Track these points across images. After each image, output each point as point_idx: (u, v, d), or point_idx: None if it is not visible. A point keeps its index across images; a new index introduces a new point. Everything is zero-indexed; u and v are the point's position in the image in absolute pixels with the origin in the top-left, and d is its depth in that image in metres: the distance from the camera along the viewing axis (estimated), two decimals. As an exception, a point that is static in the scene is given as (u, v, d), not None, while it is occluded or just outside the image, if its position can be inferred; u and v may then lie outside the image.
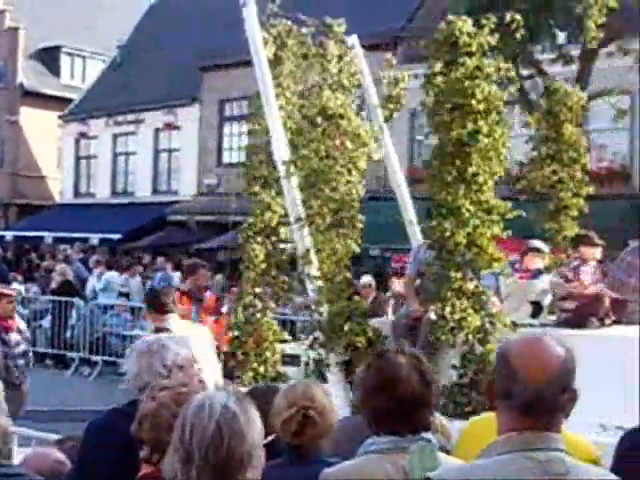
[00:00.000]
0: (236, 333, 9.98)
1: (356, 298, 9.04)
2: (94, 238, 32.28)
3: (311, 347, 8.94)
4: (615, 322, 8.61)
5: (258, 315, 10.00)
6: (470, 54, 8.29)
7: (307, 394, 4.10)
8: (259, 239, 10.12)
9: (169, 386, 3.68)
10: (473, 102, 8.03)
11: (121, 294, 22.23)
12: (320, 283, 8.87)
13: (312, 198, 8.98)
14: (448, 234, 7.99)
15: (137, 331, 18.02)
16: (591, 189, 10.69)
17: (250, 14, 9.77)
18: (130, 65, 37.73)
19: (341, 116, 8.96)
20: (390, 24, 28.79)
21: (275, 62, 10.15)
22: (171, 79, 34.49)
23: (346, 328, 8.42)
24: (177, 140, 34.98)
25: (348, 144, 8.96)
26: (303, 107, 9.83)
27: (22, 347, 10.31)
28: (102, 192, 37.49)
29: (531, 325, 8.76)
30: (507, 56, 19.15)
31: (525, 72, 20.25)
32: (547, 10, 19.21)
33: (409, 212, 11.59)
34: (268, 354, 9.92)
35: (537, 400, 2.73)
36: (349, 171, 9.01)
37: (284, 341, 10.24)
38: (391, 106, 10.52)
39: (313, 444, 4.04)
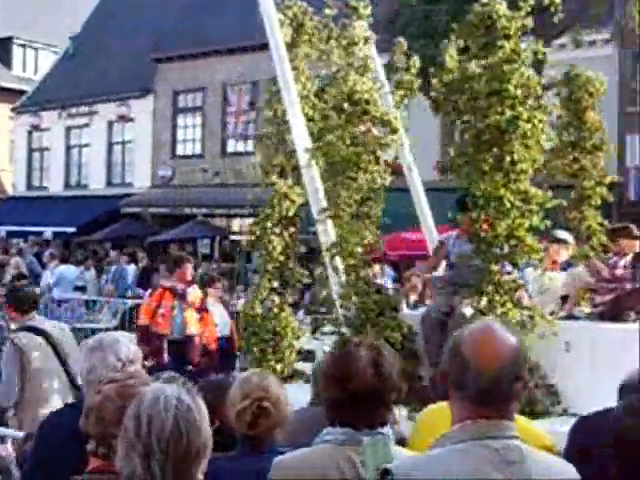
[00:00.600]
0: (252, 329, 9.60)
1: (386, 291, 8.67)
2: (48, 231, 31.71)
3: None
4: None
5: (275, 310, 9.63)
6: (508, 37, 7.82)
7: (261, 385, 4.06)
8: (277, 230, 9.75)
9: (116, 379, 3.60)
10: (511, 87, 7.60)
11: (77, 288, 22.07)
12: (344, 277, 8.50)
13: (339, 187, 8.59)
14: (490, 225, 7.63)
15: (93, 325, 18.03)
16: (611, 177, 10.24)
17: None
18: (82, 56, 36.97)
19: (367, 101, 8.58)
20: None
21: (291, 45, 9.78)
22: (124, 70, 33.91)
23: (381, 323, 8.05)
24: (131, 132, 34.34)
25: (374, 131, 8.60)
26: (323, 92, 9.46)
27: None
28: (55, 185, 36.87)
29: (567, 317, 8.34)
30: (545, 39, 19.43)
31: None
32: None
33: (422, 200, 11.17)
34: (286, 352, 9.55)
35: (491, 389, 2.71)
36: (376, 159, 8.68)
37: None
38: (401, 92, 10.09)
39: (267, 435, 4.00)
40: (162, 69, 33.19)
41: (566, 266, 9.36)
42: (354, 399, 3.34)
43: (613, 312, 8.19)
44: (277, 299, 9.72)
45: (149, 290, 13.08)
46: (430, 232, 10.95)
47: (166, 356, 10.84)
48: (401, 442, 4.03)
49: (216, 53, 31.16)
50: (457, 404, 2.79)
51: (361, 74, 9.07)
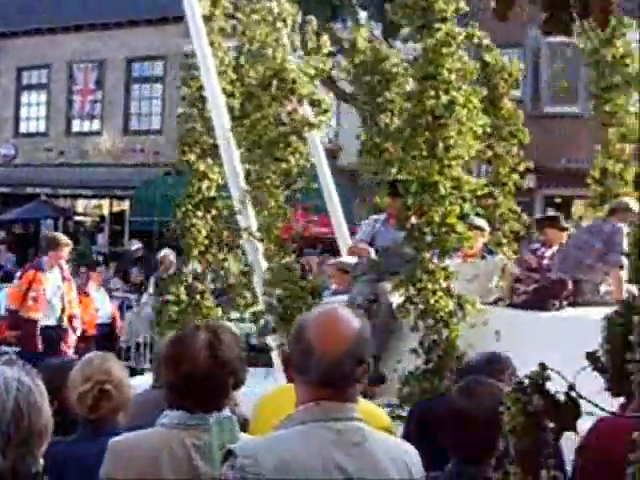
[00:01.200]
0: (175, 317, 9.11)
1: (309, 278, 8.34)
2: None
3: (261, 333, 8.18)
4: (572, 304, 8.13)
5: (198, 297, 9.20)
6: (444, 20, 7.51)
7: (103, 368, 4.01)
8: (199, 213, 9.33)
9: None
10: (445, 71, 7.36)
11: None
12: (266, 263, 8.18)
13: (264, 169, 8.24)
14: (424, 212, 7.34)
15: None
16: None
17: None
18: None
19: (294, 80, 8.25)
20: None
21: (206, 19, 9.33)
22: (-34, 46, 32.95)
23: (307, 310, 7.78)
24: (-28, 108, 33.42)
25: (300, 110, 8.30)
26: (241, 67, 9.10)
27: None
28: None
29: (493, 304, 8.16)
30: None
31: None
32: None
33: (330, 187, 10.50)
34: None
35: (333, 373, 2.72)
36: (304, 140, 8.39)
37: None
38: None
39: (109, 418, 3.96)
40: (6, 45, 32.05)
41: (488, 252, 9.14)
42: (189, 382, 3.31)
43: (535, 301, 8.07)
44: (200, 286, 9.31)
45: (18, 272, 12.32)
46: (340, 225, 10.49)
47: (39, 342, 10.41)
48: (243, 423, 4.02)
49: (63, 30, 30.28)
50: (301, 387, 2.79)
51: (287, 52, 8.75)
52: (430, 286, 7.32)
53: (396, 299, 7.65)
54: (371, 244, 8.70)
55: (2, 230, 28.68)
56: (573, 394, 2.45)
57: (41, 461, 2.69)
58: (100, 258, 25.03)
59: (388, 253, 8.21)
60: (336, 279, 9.73)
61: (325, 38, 9.46)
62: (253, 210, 8.39)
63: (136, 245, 21.56)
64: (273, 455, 2.66)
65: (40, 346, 10.37)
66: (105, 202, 30.85)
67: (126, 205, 29.16)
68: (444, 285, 7.33)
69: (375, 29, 20.22)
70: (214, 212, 9.42)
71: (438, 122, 7.37)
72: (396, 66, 9.67)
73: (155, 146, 29.38)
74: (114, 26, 29.47)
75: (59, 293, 10.85)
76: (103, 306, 11.48)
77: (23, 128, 32.36)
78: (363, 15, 21.08)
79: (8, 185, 30.26)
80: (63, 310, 10.75)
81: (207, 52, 8.82)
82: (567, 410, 2.45)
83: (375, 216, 9.08)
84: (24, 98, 32.43)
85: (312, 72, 8.82)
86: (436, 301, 7.27)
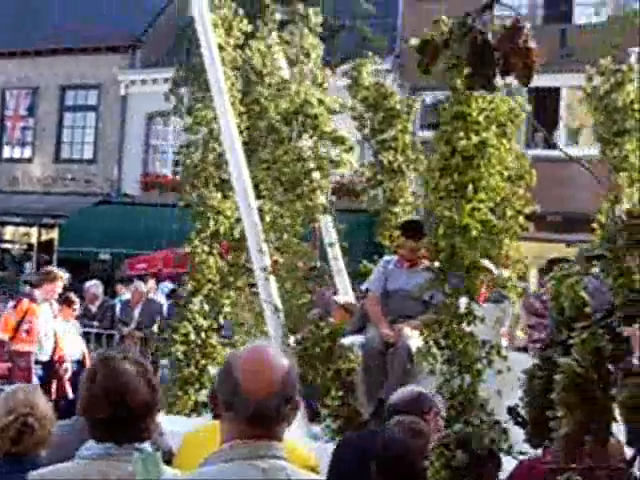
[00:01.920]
0: (180, 355, 8.67)
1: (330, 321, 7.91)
2: None
3: None
4: None
5: (203, 335, 8.72)
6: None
7: (27, 401, 3.94)
8: (206, 247, 8.81)
9: None
10: (475, 112, 7.16)
11: None
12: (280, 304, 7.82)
13: (284, 207, 7.94)
14: (455, 254, 7.05)
15: None
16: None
17: None
18: None
19: (316, 116, 7.99)
20: (131, 27, 28.42)
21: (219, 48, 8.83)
22: None
23: (334, 353, 7.44)
24: None
25: (322, 148, 8.03)
26: (247, 98, 8.76)
27: None
28: None
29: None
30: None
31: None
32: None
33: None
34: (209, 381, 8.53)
35: (260, 412, 2.72)
36: (326, 177, 8.09)
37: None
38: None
39: (31, 452, 3.87)
40: None
41: (500, 297, 8.86)
42: (117, 413, 3.25)
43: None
44: (204, 323, 8.81)
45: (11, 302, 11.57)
46: (337, 260, 9.76)
47: (34, 376, 9.87)
48: (168, 453, 3.98)
49: (-5, 55, 30.05)
50: (228, 424, 2.78)
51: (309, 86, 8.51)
52: (457, 331, 7.06)
53: (414, 342, 7.43)
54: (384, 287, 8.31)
55: None
56: (494, 448, 2.42)
57: None
58: (27, 287, 24.63)
59: (400, 296, 7.95)
60: (338, 317, 9.57)
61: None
62: (269, 249, 8.04)
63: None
64: None
65: (34, 380, 9.82)
66: (34, 230, 30.39)
67: (55, 234, 28.79)
68: (468, 330, 7.08)
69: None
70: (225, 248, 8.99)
71: (468, 163, 7.16)
72: (400, 103, 9.42)
73: (86, 175, 29.10)
74: (49, 53, 29.21)
75: (51, 328, 10.39)
76: (76, 343, 11.02)
77: None
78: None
79: None
80: (55, 348, 10.32)
81: (222, 82, 8.34)
82: (489, 464, 2.42)
83: (387, 257, 8.69)
84: None
85: (337, 108, 8.64)
86: (464, 346, 7.02)
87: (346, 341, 7.80)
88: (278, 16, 9.24)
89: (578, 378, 1.98)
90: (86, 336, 14.44)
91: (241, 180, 8.05)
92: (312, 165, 8.02)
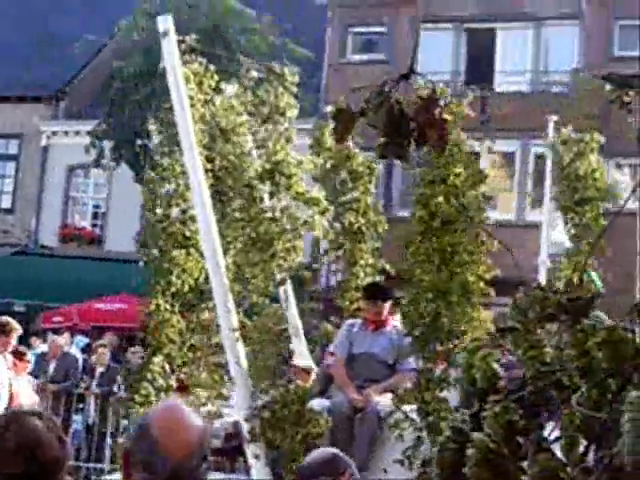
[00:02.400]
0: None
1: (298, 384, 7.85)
2: None
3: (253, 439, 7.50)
4: None
5: (163, 396, 8.34)
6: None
7: None
8: (168, 306, 8.56)
9: None
10: (453, 176, 7.18)
11: None
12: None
13: (256, 267, 7.89)
14: (436, 319, 6.98)
15: None
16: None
17: (170, 45, 8.38)
18: None
19: (290, 176, 8.01)
20: (55, 78, 28.25)
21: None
22: None
23: (304, 417, 7.33)
24: None
25: (293, 207, 8.01)
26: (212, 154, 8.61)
27: None
28: None
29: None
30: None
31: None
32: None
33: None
34: None
35: (178, 473, 2.64)
36: (300, 238, 8.07)
37: None
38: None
39: None
40: None
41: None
42: (24, 471, 3.12)
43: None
44: (165, 384, 8.52)
45: None
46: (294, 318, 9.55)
47: None
48: None
49: None
50: None
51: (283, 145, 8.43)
52: (433, 397, 6.93)
53: (382, 407, 7.39)
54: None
55: None
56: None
57: None
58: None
59: (365, 359, 7.86)
60: (300, 378, 9.43)
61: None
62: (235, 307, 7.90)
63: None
64: None
65: None
66: (-52, 280, 29.79)
67: (-28, 284, 28.26)
68: (442, 395, 6.94)
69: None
70: (190, 306, 8.78)
71: (448, 227, 7.13)
72: (362, 165, 9.45)
73: (4, 225, 28.65)
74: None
75: (6, 383, 9.82)
76: (31, 399, 10.58)
77: None
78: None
79: None
80: (10, 402, 9.88)
81: (192, 136, 8.22)
82: None
83: (351, 320, 8.55)
84: None
85: (311, 168, 8.66)
86: (438, 413, 6.82)
87: (314, 404, 7.68)
88: (254, 74, 9.16)
89: (490, 453, 2.00)
90: (-2, 389, 14.17)
91: (210, 238, 7.90)
92: (288, 226, 7.98)
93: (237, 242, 8.17)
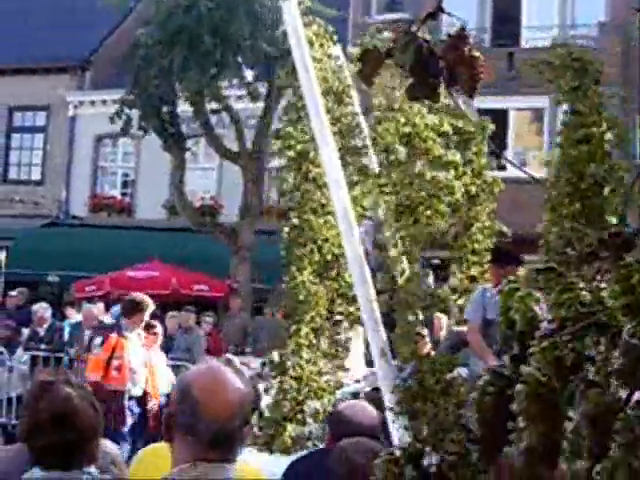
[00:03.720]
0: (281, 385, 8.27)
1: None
2: None
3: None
4: None
5: (308, 369, 8.38)
6: (597, 82, 7.20)
7: None
8: (311, 277, 8.50)
9: None
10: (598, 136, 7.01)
11: None
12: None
13: (404, 231, 7.65)
14: None
15: None
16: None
17: (291, 6, 8.06)
18: None
19: (425, 140, 7.81)
20: (80, 48, 28.25)
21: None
22: None
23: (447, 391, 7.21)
24: None
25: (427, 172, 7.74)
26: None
27: None
28: None
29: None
30: (191, 91, 19.50)
31: (212, 106, 20.45)
32: (234, 48, 19.52)
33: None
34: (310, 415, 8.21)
35: (221, 435, 2.70)
36: (443, 203, 7.82)
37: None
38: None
39: None
40: None
41: None
42: (66, 438, 3.22)
43: None
44: (306, 354, 8.47)
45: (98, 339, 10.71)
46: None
47: (128, 417, 9.21)
48: None
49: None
50: (183, 446, 2.74)
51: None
52: None
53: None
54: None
55: None
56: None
57: None
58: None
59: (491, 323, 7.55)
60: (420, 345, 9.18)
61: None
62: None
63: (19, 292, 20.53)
64: None
65: (129, 420, 9.34)
66: (-19, 252, 30.03)
67: (2, 256, 28.42)
68: None
69: (261, 88, 20.36)
70: (333, 276, 8.60)
71: (596, 188, 6.91)
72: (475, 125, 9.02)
73: (34, 197, 28.81)
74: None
75: (142, 360, 9.80)
76: (165, 374, 10.45)
77: None
78: (249, 74, 21.17)
79: None
80: (148, 380, 9.70)
81: (318, 98, 7.89)
82: None
83: (485, 285, 8.24)
84: None
85: (447, 130, 8.42)
86: None
87: (461, 372, 7.64)
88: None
89: (541, 387, 1.96)
90: (34, 359, 14.25)
91: (342, 204, 7.66)
92: (431, 190, 7.74)
93: (379, 208, 7.96)
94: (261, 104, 20.27)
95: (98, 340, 10.38)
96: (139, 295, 10.59)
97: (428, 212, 7.92)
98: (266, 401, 10.68)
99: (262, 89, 20.33)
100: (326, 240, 8.48)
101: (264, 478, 3.94)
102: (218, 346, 14.58)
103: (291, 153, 8.70)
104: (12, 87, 28.56)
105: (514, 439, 2.02)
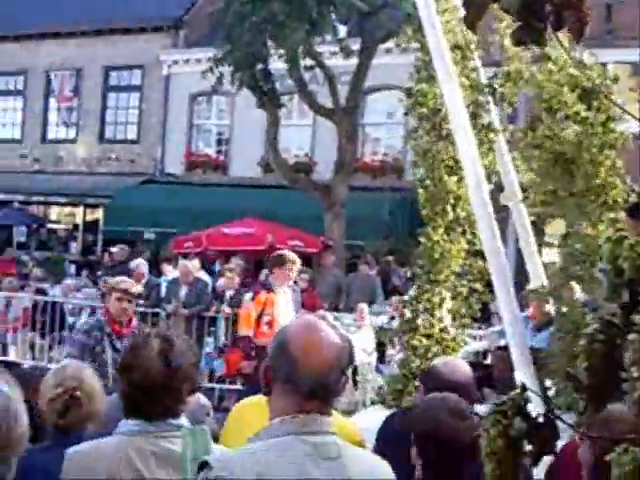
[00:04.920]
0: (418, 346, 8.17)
1: None
2: None
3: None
4: None
5: (440, 325, 8.29)
6: None
7: (76, 375, 4.00)
8: (444, 235, 8.31)
9: None
10: None
11: None
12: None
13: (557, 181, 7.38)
14: None
15: None
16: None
17: None
18: None
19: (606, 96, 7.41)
20: (174, 7, 28.46)
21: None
22: None
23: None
24: None
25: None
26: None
27: None
28: None
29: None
30: (286, 47, 19.48)
31: (306, 63, 20.42)
32: (329, 3, 19.45)
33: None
34: None
35: (319, 386, 2.73)
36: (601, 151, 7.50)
37: None
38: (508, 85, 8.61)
39: (78, 426, 3.91)
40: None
41: None
42: (143, 390, 3.32)
43: None
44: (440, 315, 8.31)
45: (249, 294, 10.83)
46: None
47: None
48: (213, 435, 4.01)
49: (40, 37, 30.11)
50: (281, 397, 2.77)
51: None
52: None
53: None
54: None
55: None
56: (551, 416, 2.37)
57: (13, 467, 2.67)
58: (72, 266, 24.86)
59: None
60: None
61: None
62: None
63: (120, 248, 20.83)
64: (248, 467, 2.64)
65: None
66: (79, 210, 30.58)
67: (100, 214, 28.98)
68: None
69: (353, 45, 20.26)
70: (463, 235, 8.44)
71: None
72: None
73: (130, 155, 29.24)
74: (92, 34, 29.35)
75: (292, 317, 9.47)
76: None
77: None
78: (342, 30, 21.10)
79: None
80: None
81: (447, 58, 7.79)
82: (547, 433, 2.37)
83: None
84: (0, 104, 32.26)
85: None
86: None
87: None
88: None
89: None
90: (132, 314, 14.54)
91: (470, 160, 7.56)
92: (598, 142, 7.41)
93: (533, 163, 7.79)
94: (354, 60, 20.14)
95: (248, 296, 10.57)
96: (286, 252, 10.64)
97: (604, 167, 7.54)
98: (392, 355, 10.61)
99: (355, 46, 20.21)
100: (459, 198, 8.34)
101: (359, 438, 3.97)
102: (313, 302, 14.65)
103: (423, 110, 8.57)
104: (107, 47, 28.95)
105: (627, 388, 2.01)
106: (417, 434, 3.58)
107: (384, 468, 2.93)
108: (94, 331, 7.27)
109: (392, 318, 12.68)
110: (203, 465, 2.70)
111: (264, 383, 2.84)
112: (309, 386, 2.73)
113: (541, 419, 2.36)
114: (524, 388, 2.33)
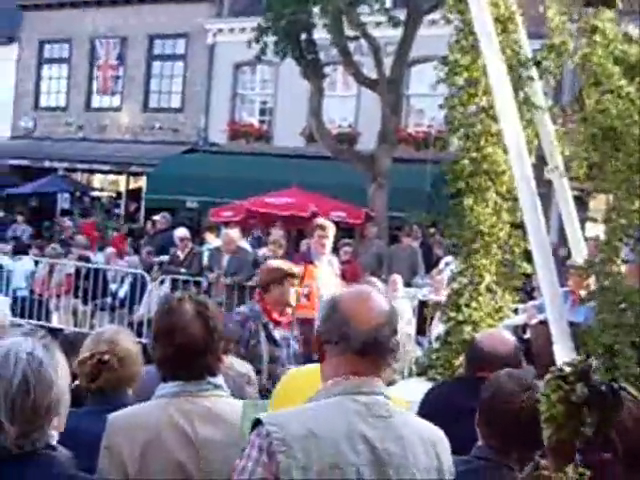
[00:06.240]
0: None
1: None
2: None
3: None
4: None
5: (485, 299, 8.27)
6: None
7: (110, 339, 4.00)
8: (489, 210, 8.27)
9: None
10: None
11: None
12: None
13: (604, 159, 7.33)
14: None
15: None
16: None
17: None
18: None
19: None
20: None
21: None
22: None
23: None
24: (-7, 80, 33.18)
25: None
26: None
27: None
28: None
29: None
30: (330, 17, 19.39)
31: (350, 33, 20.33)
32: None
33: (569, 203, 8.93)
34: None
35: (371, 342, 2.79)
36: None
37: None
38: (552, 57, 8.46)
39: (113, 390, 3.92)
40: (28, 17, 32.04)
41: None
42: (183, 352, 3.39)
43: None
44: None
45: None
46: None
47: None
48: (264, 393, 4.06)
49: (85, 5, 30.18)
50: (333, 359, 2.85)
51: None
52: None
53: None
54: None
55: (19, 202, 28.75)
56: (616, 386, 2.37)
57: (54, 433, 2.77)
58: (115, 234, 25.03)
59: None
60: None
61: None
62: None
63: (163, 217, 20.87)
64: (298, 423, 2.70)
65: None
66: (122, 178, 30.79)
67: (143, 182, 29.13)
68: None
69: (399, 15, 20.14)
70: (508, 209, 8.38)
71: None
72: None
73: (174, 124, 29.32)
74: (137, 2, 29.42)
75: (333, 288, 9.20)
76: None
77: (43, 102, 32.16)
78: (388, 0, 20.96)
79: (26, 158, 30.26)
80: None
81: (490, 27, 7.73)
82: (611, 402, 2.37)
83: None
84: (45, 72, 32.35)
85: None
86: None
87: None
88: None
89: None
90: (174, 283, 14.66)
91: (513, 133, 7.51)
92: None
93: (578, 137, 7.78)
94: (399, 31, 20.02)
95: None
96: (323, 220, 10.29)
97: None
98: (432, 327, 10.52)
99: (400, 15, 20.09)
100: (503, 172, 8.26)
101: (404, 402, 3.98)
102: (356, 273, 14.65)
103: (459, 79, 8.49)
104: (152, 15, 29.01)
105: None
106: (486, 405, 3.57)
107: (437, 431, 2.96)
108: (248, 322, 6.78)
109: (435, 290, 12.66)
110: (256, 423, 2.75)
111: (317, 348, 2.90)
112: (361, 342, 2.78)
113: (604, 388, 2.36)
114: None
